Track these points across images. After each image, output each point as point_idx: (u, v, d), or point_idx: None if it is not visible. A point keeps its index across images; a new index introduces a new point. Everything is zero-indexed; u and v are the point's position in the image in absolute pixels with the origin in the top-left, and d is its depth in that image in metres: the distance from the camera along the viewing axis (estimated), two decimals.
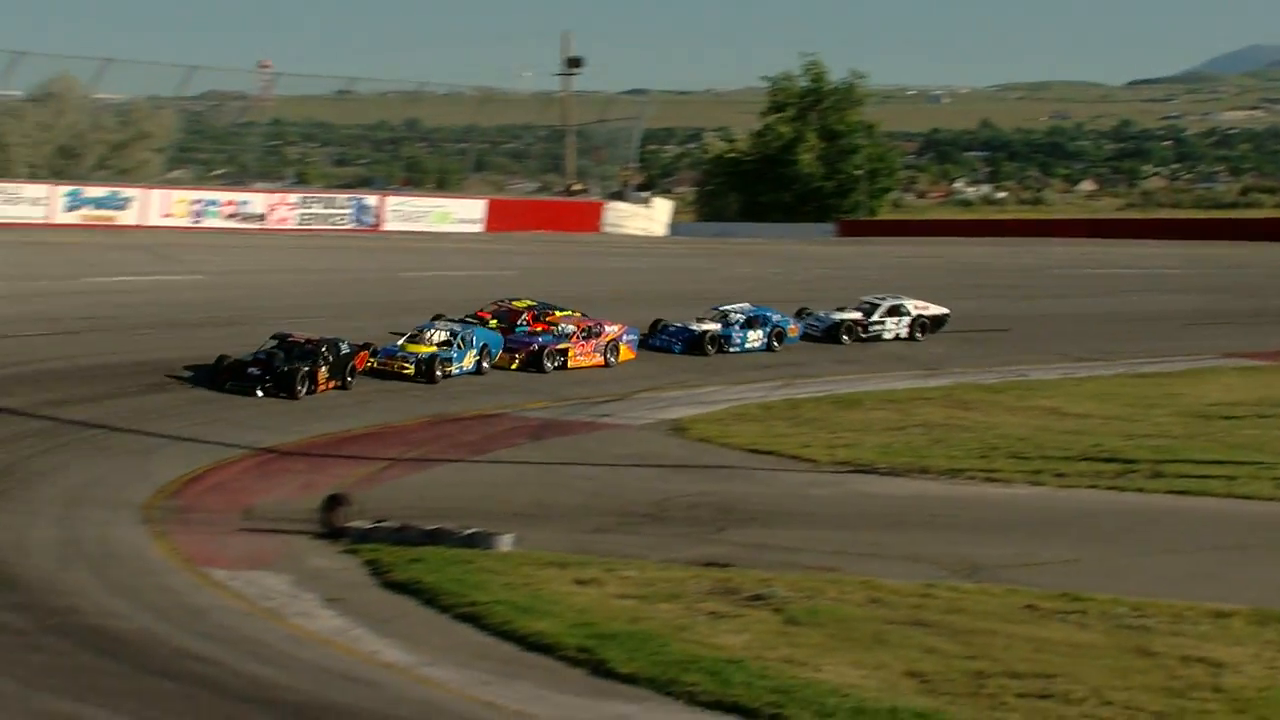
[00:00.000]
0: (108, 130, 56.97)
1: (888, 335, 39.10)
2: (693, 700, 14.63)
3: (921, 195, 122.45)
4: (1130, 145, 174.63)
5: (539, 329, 33.95)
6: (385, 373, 30.49)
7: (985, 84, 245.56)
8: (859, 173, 74.73)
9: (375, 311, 35.07)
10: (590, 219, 63.06)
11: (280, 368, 28.14)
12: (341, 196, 56.18)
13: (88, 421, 25.65)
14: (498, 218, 58.86)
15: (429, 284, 41.36)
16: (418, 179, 66.25)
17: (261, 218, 52.12)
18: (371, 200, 56.11)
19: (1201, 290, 51.38)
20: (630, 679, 15.09)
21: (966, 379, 35.12)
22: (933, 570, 19.37)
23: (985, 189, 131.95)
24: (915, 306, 39.81)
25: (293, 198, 54.38)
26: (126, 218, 48.77)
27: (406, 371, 30.57)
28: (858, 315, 38.93)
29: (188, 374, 28.95)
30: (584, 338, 33.64)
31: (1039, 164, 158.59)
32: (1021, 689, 15.00)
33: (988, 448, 27.39)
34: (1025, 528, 22.09)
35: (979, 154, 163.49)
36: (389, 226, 55.48)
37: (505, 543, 19.54)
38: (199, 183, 56.42)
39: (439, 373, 30.70)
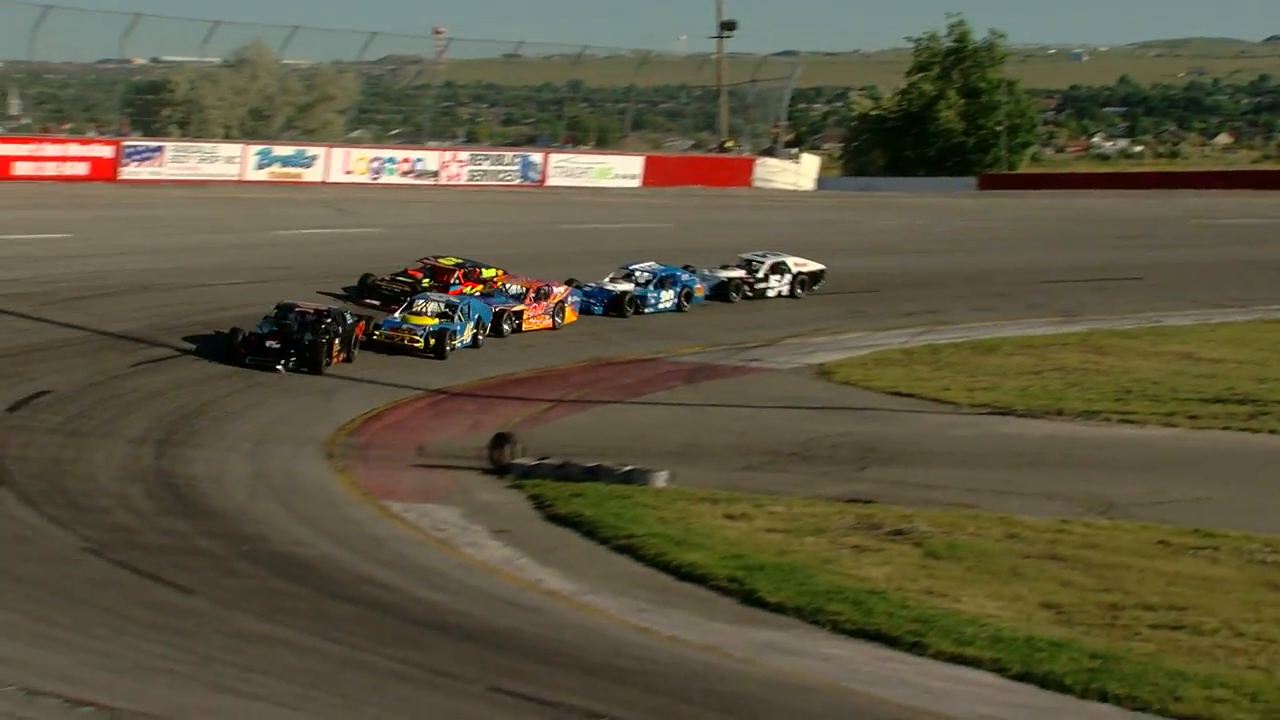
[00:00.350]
0: (295, 93, 57.79)
1: (771, 293, 36.23)
2: (837, 628, 14.63)
3: (1060, 150, 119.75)
4: (1267, 99, 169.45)
5: (469, 288, 30.97)
6: (391, 346, 27.62)
7: (1125, 42, 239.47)
8: (999, 129, 73.37)
9: (542, 261, 35.12)
10: (742, 174, 62.65)
11: (298, 340, 25.67)
12: (509, 154, 56.38)
13: None
14: (654, 173, 58.71)
15: (589, 236, 41.45)
16: (579, 137, 66.30)
17: (435, 174, 52.50)
18: (536, 157, 56.25)
19: None
20: (778, 608, 15.12)
21: (1102, 325, 34.51)
22: (1068, 507, 19.14)
23: (1122, 143, 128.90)
24: (795, 263, 36.96)
25: (463, 155, 54.67)
26: (311, 175, 49.41)
27: (416, 345, 27.61)
28: (742, 273, 36.25)
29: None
30: (535, 299, 30.88)
31: (1176, 119, 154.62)
32: (1154, 620, 14.79)
33: (1122, 391, 26.94)
34: (1159, 467, 21.73)
35: (1117, 110, 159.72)
36: (552, 182, 55.61)
37: (660, 479, 19.63)
38: (378, 142, 56.94)
39: (446, 346, 27.75)
